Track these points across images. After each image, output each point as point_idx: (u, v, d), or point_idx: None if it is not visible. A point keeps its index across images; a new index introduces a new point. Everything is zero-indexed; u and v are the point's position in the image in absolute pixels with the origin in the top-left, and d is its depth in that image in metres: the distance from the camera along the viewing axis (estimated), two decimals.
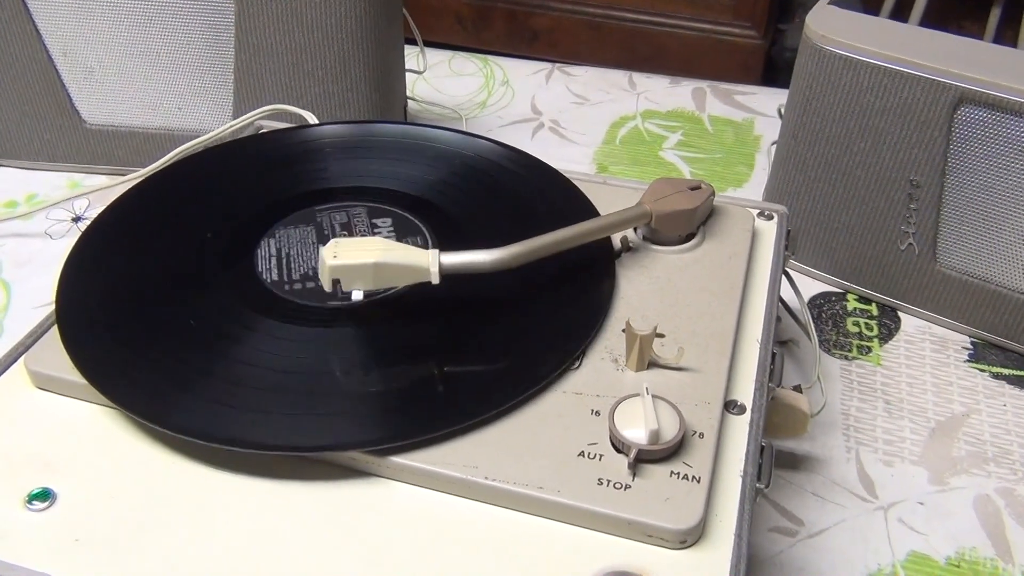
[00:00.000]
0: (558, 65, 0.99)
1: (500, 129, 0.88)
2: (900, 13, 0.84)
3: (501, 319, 0.44)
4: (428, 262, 0.41)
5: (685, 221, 0.49)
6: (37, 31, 0.70)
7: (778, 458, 0.56)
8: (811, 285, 0.69)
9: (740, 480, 0.38)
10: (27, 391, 0.42)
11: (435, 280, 0.41)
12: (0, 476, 0.38)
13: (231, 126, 0.62)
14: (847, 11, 0.64)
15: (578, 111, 0.91)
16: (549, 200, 0.51)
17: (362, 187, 0.52)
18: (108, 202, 0.51)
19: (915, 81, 0.58)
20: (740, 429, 0.40)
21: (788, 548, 0.51)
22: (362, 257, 0.40)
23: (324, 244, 0.42)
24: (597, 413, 0.40)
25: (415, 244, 0.48)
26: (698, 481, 0.37)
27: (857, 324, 0.66)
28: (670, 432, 0.38)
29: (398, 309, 0.44)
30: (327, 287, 0.41)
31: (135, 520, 0.36)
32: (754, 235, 0.52)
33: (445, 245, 0.48)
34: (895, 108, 0.60)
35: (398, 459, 0.37)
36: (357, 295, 0.42)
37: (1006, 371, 0.62)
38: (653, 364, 0.42)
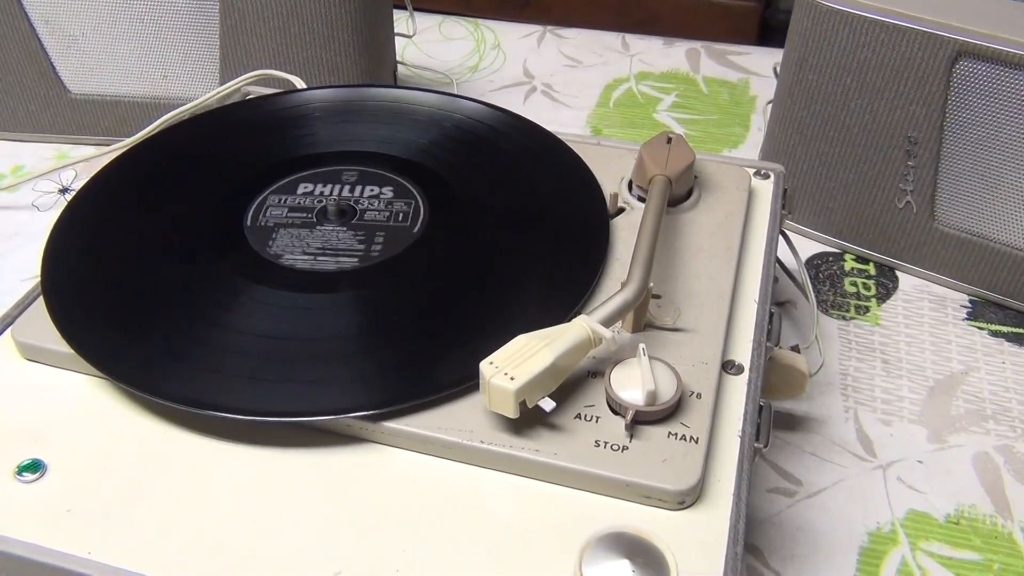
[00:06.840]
0: (550, 28, 0.97)
1: (492, 93, 0.87)
2: None
3: (495, 282, 0.43)
4: (590, 333, 0.37)
5: (689, 175, 0.49)
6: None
7: (776, 418, 0.55)
8: (808, 245, 0.69)
9: (738, 440, 0.38)
10: (15, 362, 0.41)
11: (613, 347, 0.39)
12: None
13: (217, 93, 0.61)
14: None
15: (571, 74, 0.90)
16: (543, 161, 0.51)
17: (352, 151, 0.52)
18: (95, 172, 0.50)
19: (913, 35, 0.57)
20: (738, 389, 0.40)
21: (787, 508, 0.50)
22: (538, 364, 0.35)
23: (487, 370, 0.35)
24: (594, 375, 0.39)
25: (409, 208, 0.47)
26: (696, 442, 0.36)
27: (855, 284, 0.66)
28: (667, 393, 0.37)
29: (390, 274, 0.44)
30: (513, 414, 0.35)
31: (127, 490, 0.36)
32: (751, 195, 0.51)
33: (440, 209, 0.47)
34: (892, 63, 0.59)
35: (393, 424, 0.37)
36: (549, 405, 0.36)
37: (1004, 328, 0.62)
38: (650, 325, 0.42)
